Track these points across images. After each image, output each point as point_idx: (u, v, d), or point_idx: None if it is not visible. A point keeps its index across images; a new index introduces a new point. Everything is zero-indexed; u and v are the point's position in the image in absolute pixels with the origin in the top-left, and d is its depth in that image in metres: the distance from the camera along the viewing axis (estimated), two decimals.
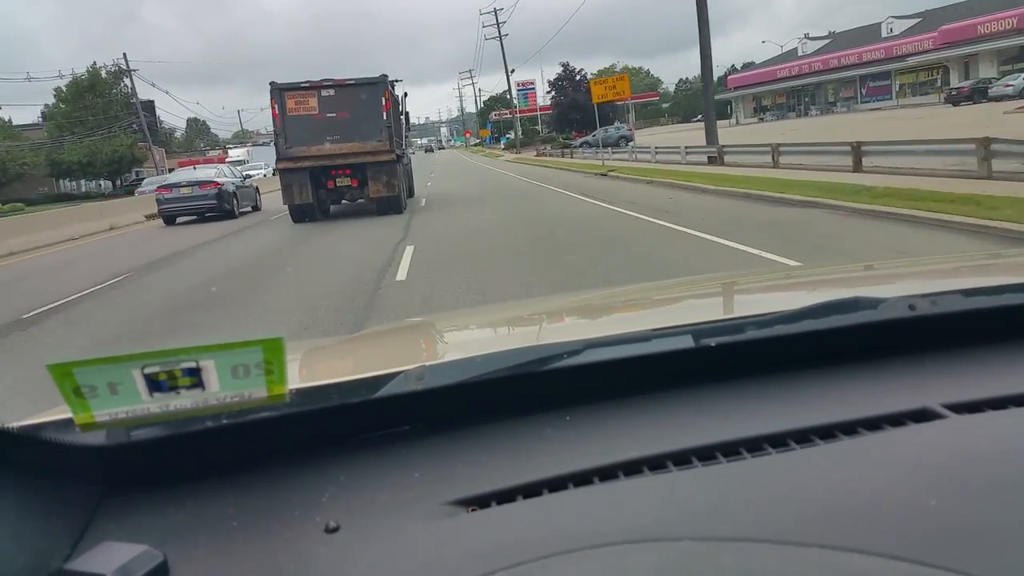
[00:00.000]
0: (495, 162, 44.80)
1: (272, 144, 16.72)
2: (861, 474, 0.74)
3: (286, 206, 15.75)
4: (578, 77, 59.50)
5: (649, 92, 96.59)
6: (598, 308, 1.78)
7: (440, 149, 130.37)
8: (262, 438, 0.85)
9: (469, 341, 1.61)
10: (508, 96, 64.56)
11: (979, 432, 0.80)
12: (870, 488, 0.71)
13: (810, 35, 57.93)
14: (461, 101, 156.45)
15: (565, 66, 63.33)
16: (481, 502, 0.76)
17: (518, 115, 62.67)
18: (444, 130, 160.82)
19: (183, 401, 0.68)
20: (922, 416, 0.83)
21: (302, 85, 15.13)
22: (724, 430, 0.82)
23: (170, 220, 19.38)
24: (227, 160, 73.04)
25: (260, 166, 63.30)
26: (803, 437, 0.80)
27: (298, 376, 1.04)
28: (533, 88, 75.56)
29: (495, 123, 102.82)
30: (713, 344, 0.94)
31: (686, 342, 0.96)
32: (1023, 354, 0.99)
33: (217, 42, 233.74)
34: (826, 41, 56.96)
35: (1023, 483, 0.69)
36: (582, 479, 0.77)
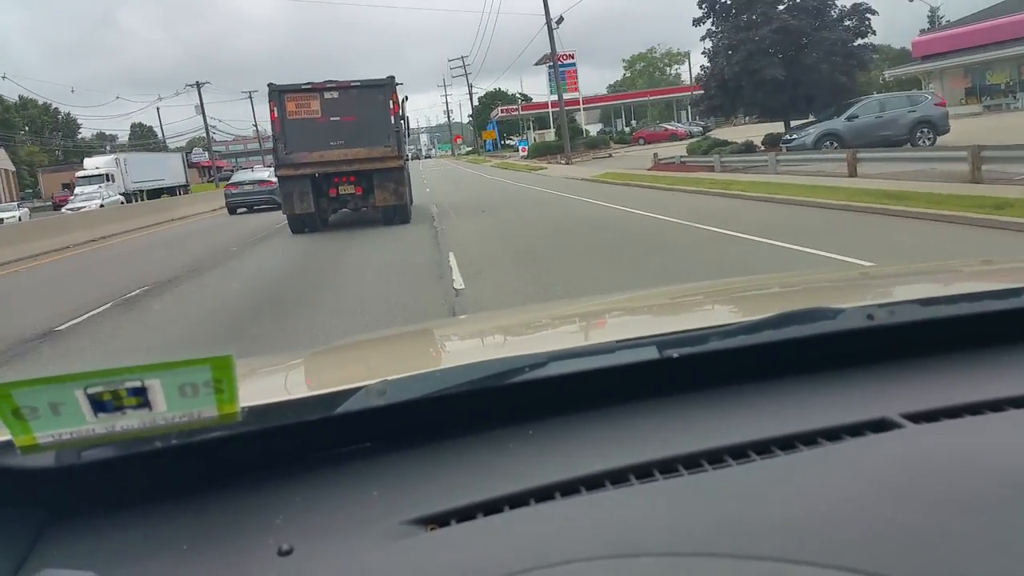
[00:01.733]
0: (565, 187, 26.23)
1: (145, 153, 32.93)
2: (819, 486, 0.78)
3: (285, 215, 16.51)
4: None
5: None
6: (578, 316, 1.88)
7: (426, 158, 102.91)
8: (214, 458, 0.88)
9: (443, 352, 1.72)
10: (551, 58, 34.63)
11: (935, 442, 0.86)
12: (828, 500, 0.75)
13: None
14: (446, 98, 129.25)
15: None
16: (441, 520, 0.78)
17: (563, 105, 35.72)
18: (424, 138, 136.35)
19: (129, 421, 0.68)
20: (881, 426, 0.89)
21: (303, 87, 15.33)
22: (687, 442, 0.88)
23: (232, 210, 27.00)
24: (79, 176, 43.65)
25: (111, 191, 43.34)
26: (764, 448, 0.85)
27: (256, 392, 1.06)
28: (573, 65, 46.97)
29: (499, 123, 73.74)
30: (675, 355, 1.01)
31: (649, 353, 1.02)
32: (977, 362, 1.07)
33: (192, 48, 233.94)
34: None
35: (975, 493, 0.73)
36: (544, 494, 0.80)
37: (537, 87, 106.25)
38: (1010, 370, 1.04)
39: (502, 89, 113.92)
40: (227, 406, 0.69)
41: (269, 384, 1.34)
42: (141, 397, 0.66)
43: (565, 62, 57.83)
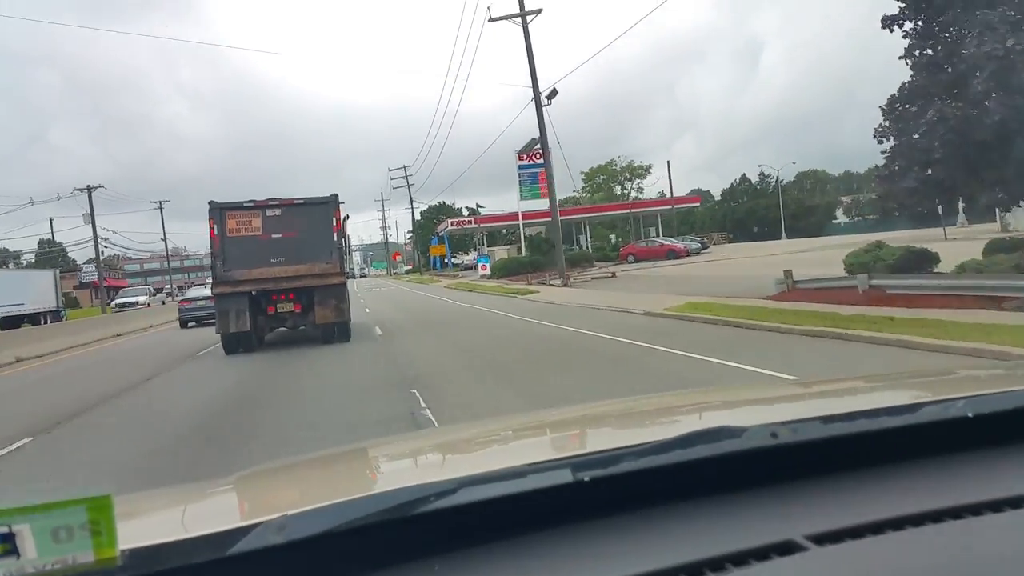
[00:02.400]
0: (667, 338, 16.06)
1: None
2: None
3: (218, 335, 15.66)
4: None
5: (690, 196, 60.35)
6: (509, 432, 1.89)
7: (361, 277, 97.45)
8: None
9: (361, 477, 1.63)
10: (541, 141, 21.68)
11: (838, 565, 0.87)
12: None
13: None
14: (383, 212, 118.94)
15: None
16: None
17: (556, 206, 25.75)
18: (357, 256, 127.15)
19: None
20: (786, 549, 0.90)
21: (245, 204, 15.34)
22: (599, 572, 0.89)
23: (184, 324, 28.20)
24: None
25: None
26: None
27: (145, 532, 1.04)
28: (542, 167, 36.49)
29: (449, 237, 63.21)
30: (587, 479, 1.00)
31: (563, 476, 1.00)
32: (879, 478, 1.09)
33: (127, 166, 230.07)
34: None
35: None
36: None
37: (486, 203, 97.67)
38: (909, 486, 1.06)
39: (447, 203, 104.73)
40: (106, 550, 0.65)
41: (163, 520, 1.26)
42: (8, 544, 0.61)
43: (536, 162, 48.06)
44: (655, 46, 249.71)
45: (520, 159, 46.14)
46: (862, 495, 1.02)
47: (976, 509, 0.96)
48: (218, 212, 14.73)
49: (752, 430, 1.08)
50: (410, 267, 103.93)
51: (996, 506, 0.97)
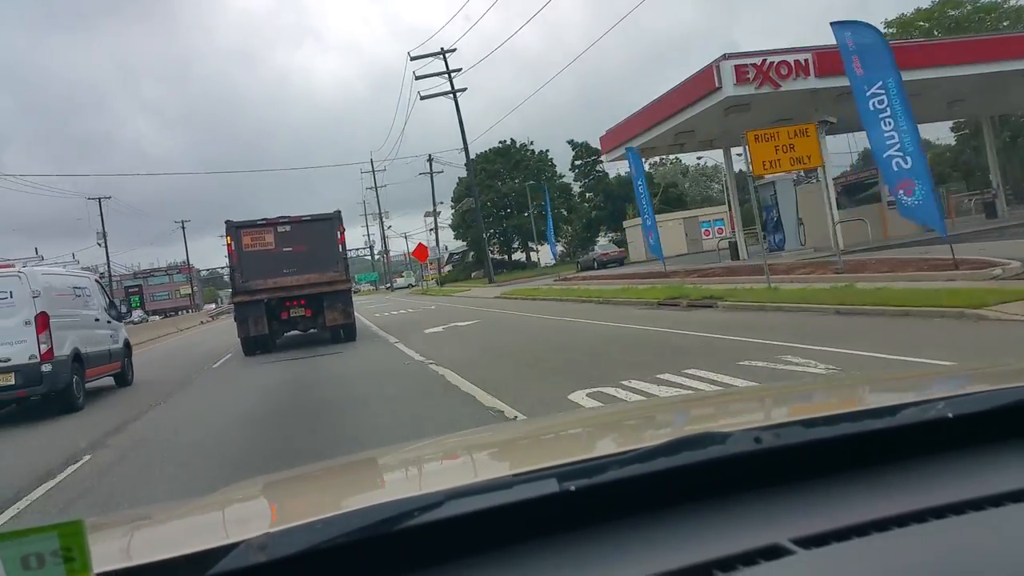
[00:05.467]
0: None
1: None
2: None
3: (239, 338, 17.58)
4: None
5: None
6: (495, 444, 1.92)
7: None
8: None
9: (354, 491, 1.57)
10: None
11: (824, 567, 0.89)
12: None
13: None
14: (376, 186, 71.65)
15: None
16: None
17: None
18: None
19: None
20: (773, 553, 0.90)
21: (258, 222, 17.29)
22: None
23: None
24: None
25: None
26: None
27: (124, 552, 1.05)
28: None
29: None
30: (572, 488, 1.00)
31: (547, 487, 0.99)
32: (862, 481, 1.11)
33: (89, 188, 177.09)
34: None
35: None
36: None
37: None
38: (893, 487, 1.07)
39: (517, 141, 57.55)
40: (79, 574, 0.63)
41: (143, 540, 1.22)
42: None
43: None
44: None
45: None
46: (847, 497, 1.03)
47: (959, 508, 0.97)
48: (234, 230, 16.53)
49: (736, 435, 1.08)
50: (432, 274, 57.32)
51: (978, 504, 0.98)
